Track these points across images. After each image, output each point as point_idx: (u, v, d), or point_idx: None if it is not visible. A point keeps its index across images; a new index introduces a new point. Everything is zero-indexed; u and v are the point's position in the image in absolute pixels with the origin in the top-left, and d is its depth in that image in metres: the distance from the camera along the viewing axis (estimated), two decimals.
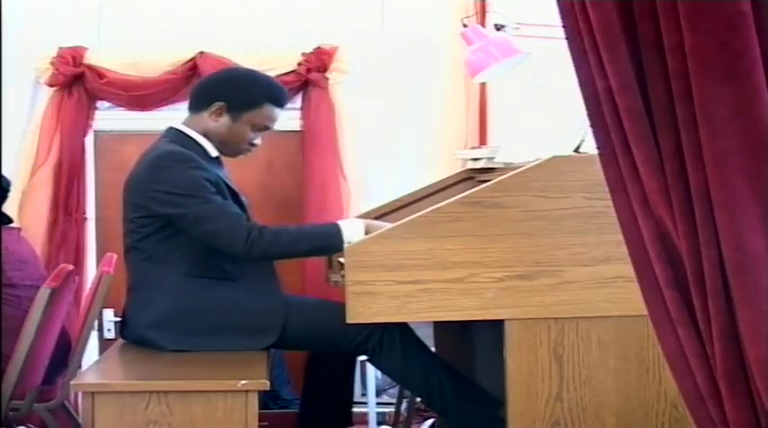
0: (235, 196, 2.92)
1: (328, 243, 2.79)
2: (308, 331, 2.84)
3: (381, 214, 3.35)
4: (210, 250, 2.81)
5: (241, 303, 2.82)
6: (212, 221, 2.77)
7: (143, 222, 2.85)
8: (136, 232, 2.87)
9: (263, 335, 2.80)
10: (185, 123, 2.99)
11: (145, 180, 2.84)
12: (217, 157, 2.99)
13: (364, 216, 3.29)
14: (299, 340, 2.86)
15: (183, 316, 2.79)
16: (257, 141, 3.01)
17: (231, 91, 2.95)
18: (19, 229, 3.40)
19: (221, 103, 2.92)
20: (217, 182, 2.84)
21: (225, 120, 2.93)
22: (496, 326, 2.46)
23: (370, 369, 4.08)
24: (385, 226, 2.67)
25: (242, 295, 2.84)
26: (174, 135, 2.95)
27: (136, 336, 2.86)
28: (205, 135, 2.95)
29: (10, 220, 3.39)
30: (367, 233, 2.72)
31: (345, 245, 2.58)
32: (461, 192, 2.56)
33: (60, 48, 4.16)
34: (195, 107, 2.99)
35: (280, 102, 3.01)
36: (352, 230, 2.78)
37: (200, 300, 2.81)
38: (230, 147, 2.99)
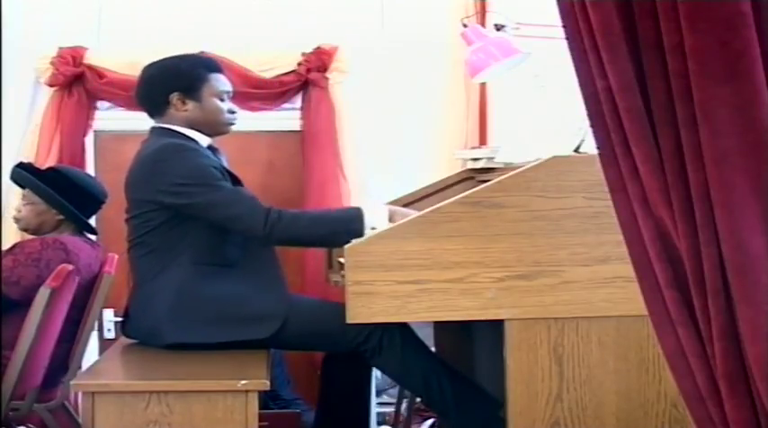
0: (237, 182, 2.92)
1: (349, 227, 2.69)
2: (308, 330, 2.84)
3: None
4: (213, 237, 2.81)
5: (244, 293, 2.81)
6: (229, 206, 2.76)
7: (149, 216, 2.84)
8: (141, 226, 2.86)
9: (265, 324, 2.79)
10: (163, 123, 2.96)
11: (148, 175, 2.83)
12: (210, 146, 2.98)
13: None
14: (299, 339, 2.86)
15: (189, 305, 2.78)
16: (234, 108, 3.02)
17: (173, 79, 2.93)
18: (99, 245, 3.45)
19: (175, 94, 2.91)
20: (220, 169, 2.84)
21: (191, 105, 2.93)
22: (496, 326, 2.46)
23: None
24: (410, 213, 2.64)
25: (245, 285, 2.83)
26: (162, 132, 2.94)
27: (145, 331, 2.86)
28: (187, 125, 2.93)
29: (94, 231, 3.45)
30: (391, 219, 2.68)
31: (368, 231, 2.56)
32: (461, 192, 2.56)
33: (60, 48, 4.16)
34: (156, 112, 2.97)
35: (217, 68, 3.01)
36: (375, 216, 2.73)
37: (204, 290, 2.80)
38: (216, 124, 2.97)
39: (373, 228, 2.59)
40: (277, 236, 2.76)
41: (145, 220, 2.85)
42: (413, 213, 2.60)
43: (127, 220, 2.94)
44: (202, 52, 4.16)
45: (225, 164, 3.00)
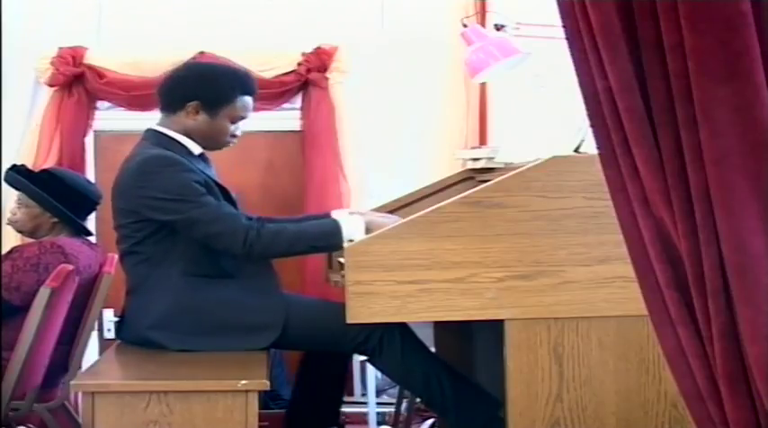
0: (224, 193, 2.92)
1: (328, 242, 2.80)
2: (308, 330, 2.84)
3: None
4: (207, 248, 2.81)
5: (241, 301, 2.82)
6: (209, 224, 2.77)
7: (137, 227, 2.84)
8: (131, 237, 2.87)
9: (264, 333, 2.80)
10: (163, 124, 2.96)
11: (133, 186, 2.83)
12: (201, 154, 2.98)
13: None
14: (300, 339, 2.86)
15: (184, 316, 2.79)
16: (238, 132, 3.01)
17: (203, 89, 2.93)
18: (97, 246, 3.47)
19: (195, 103, 2.91)
20: (206, 182, 2.84)
21: (203, 117, 2.92)
22: (496, 326, 2.45)
23: (370, 369, 4.07)
24: (386, 220, 2.65)
25: (242, 293, 2.83)
26: (154, 137, 2.94)
27: (137, 337, 2.86)
28: (185, 133, 2.93)
29: (90, 233, 3.43)
30: (368, 229, 2.71)
31: (346, 244, 2.58)
32: (461, 192, 2.56)
33: (60, 48, 4.17)
34: (168, 108, 2.97)
35: (251, 91, 3.00)
36: (352, 227, 2.76)
37: (200, 299, 2.81)
38: (213, 142, 2.98)
39: (351, 241, 2.61)
40: (257, 254, 2.79)
41: (134, 230, 2.85)
42: (390, 221, 2.62)
43: (115, 228, 2.94)
44: (202, 52, 4.18)
45: (213, 174, 2.99)
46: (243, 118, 2.99)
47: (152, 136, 2.95)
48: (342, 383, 3.25)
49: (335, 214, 3.02)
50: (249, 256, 2.79)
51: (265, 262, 2.92)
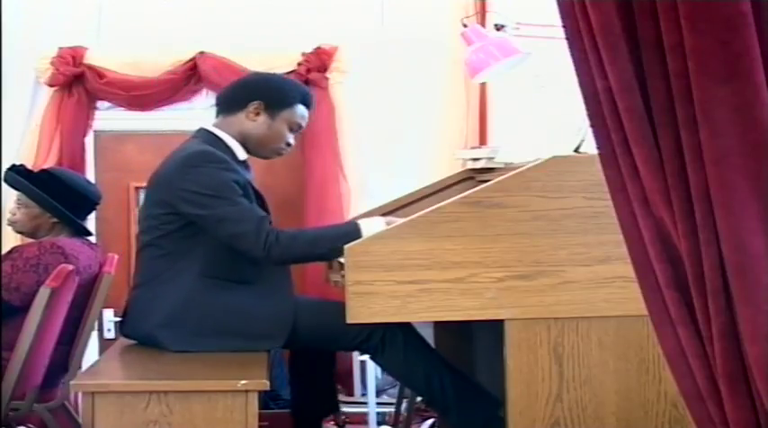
0: (261, 200, 2.93)
1: (349, 241, 2.67)
2: (311, 330, 2.84)
3: (381, 214, 3.33)
4: (228, 252, 2.80)
5: (250, 309, 2.81)
6: (235, 224, 2.76)
7: (167, 219, 2.84)
8: (157, 229, 2.86)
9: (270, 340, 2.81)
10: (217, 125, 2.99)
11: (174, 178, 2.83)
12: (244, 161, 2.99)
13: (365, 216, 3.28)
14: (302, 338, 2.86)
15: (192, 316, 2.78)
16: (292, 141, 3.03)
17: (268, 90, 2.99)
18: (97, 246, 3.48)
19: (259, 102, 2.94)
20: (245, 185, 2.84)
21: (263, 119, 2.95)
22: (496, 326, 2.45)
23: (371, 368, 4.08)
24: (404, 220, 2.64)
25: (252, 300, 2.82)
26: (204, 136, 2.96)
27: (142, 334, 2.85)
28: (240, 136, 2.96)
29: (89, 233, 3.43)
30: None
31: None
32: (461, 192, 2.56)
33: (60, 48, 4.17)
34: (228, 109, 3.00)
35: (309, 104, 3.06)
36: (372, 229, 2.72)
37: (210, 301, 2.80)
38: (269, 146, 3.01)
39: None
40: (275, 258, 2.77)
41: (162, 223, 2.85)
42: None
43: (142, 219, 2.94)
44: (202, 52, 4.19)
45: (252, 179, 3.00)
46: (300, 126, 3.02)
47: (202, 134, 2.98)
48: (331, 371, 3.27)
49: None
50: (269, 259, 2.77)
51: (284, 273, 2.92)
